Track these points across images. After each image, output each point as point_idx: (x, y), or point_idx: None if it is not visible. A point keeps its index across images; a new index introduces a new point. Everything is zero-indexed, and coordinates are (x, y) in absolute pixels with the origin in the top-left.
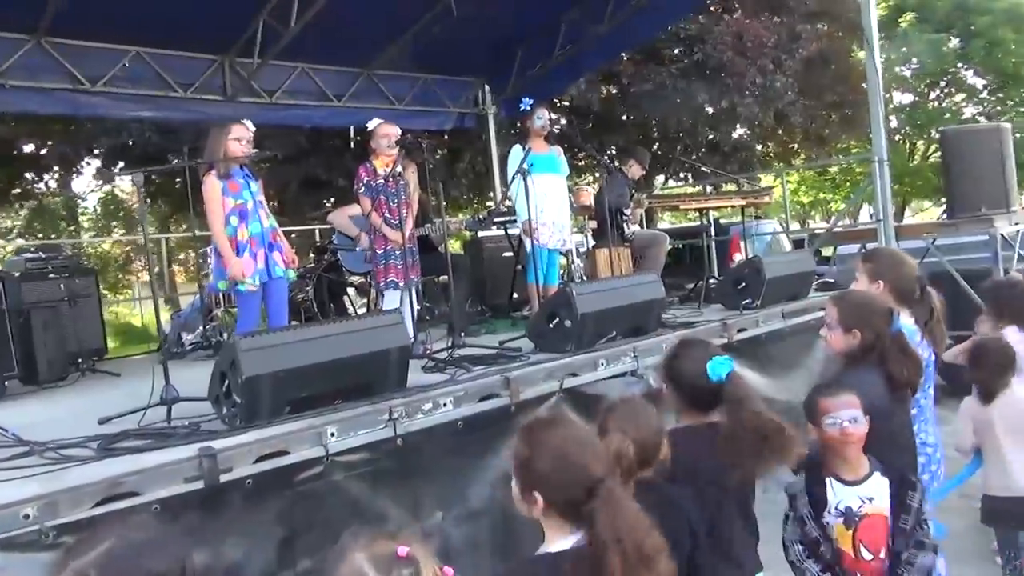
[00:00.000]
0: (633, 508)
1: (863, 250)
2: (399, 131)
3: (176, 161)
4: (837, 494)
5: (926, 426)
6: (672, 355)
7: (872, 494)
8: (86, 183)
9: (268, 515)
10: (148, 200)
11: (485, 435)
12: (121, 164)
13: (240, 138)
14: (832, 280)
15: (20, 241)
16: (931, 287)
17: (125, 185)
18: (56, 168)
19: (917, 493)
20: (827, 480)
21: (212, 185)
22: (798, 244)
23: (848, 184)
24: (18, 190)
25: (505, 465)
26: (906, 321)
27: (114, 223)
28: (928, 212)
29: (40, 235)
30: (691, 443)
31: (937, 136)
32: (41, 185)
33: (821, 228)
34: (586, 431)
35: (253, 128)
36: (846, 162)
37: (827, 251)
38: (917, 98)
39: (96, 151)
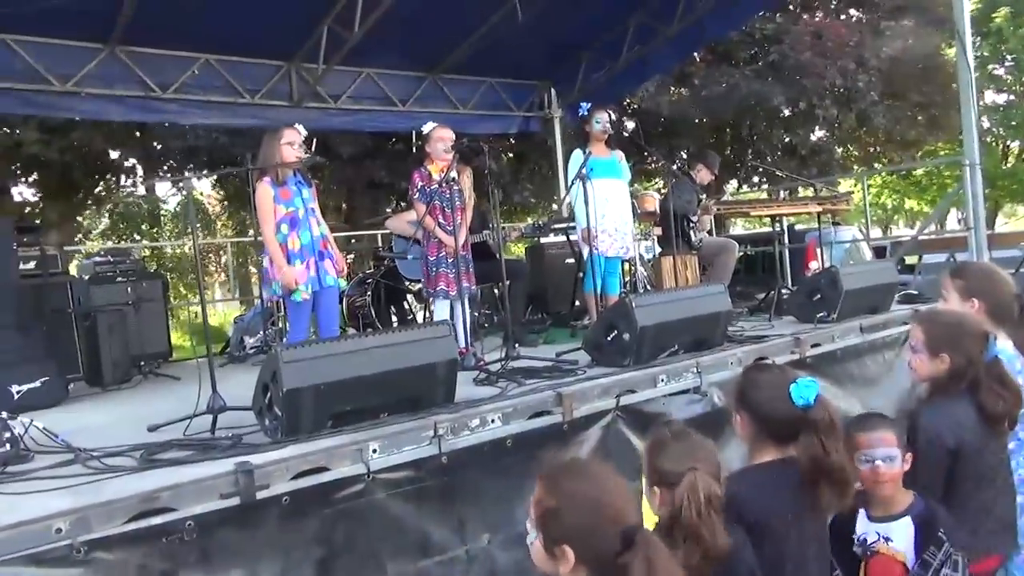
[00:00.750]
0: (668, 555)
1: (951, 260)
2: (454, 135)
3: (234, 166)
4: (860, 526)
5: None
6: (745, 381)
7: (891, 534)
8: (166, 187)
9: (305, 534)
10: (226, 203)
11: (535, 454)
12: (191, 167)
13: (292, 142)
14: (916, 292)
15: (108, 243)
16: None
17: (204, 188)
18: (138, 171)
19: (940, 553)
20: (859, 510)
21: (264, 192)
22: (879, 252)
23: (935, 187)
24: (101, 191)
25: None
26: (1004, 345)
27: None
28: (1020, 216)
29: (125, 237)
30: (767, 484)
31: None
32: (123, 189)
33: (905, 235)
34: (614, 475)
35: (305, 132)
36: (934, 165)
37: (911, 259)
38: (1012, 97)
39: (168, 155)
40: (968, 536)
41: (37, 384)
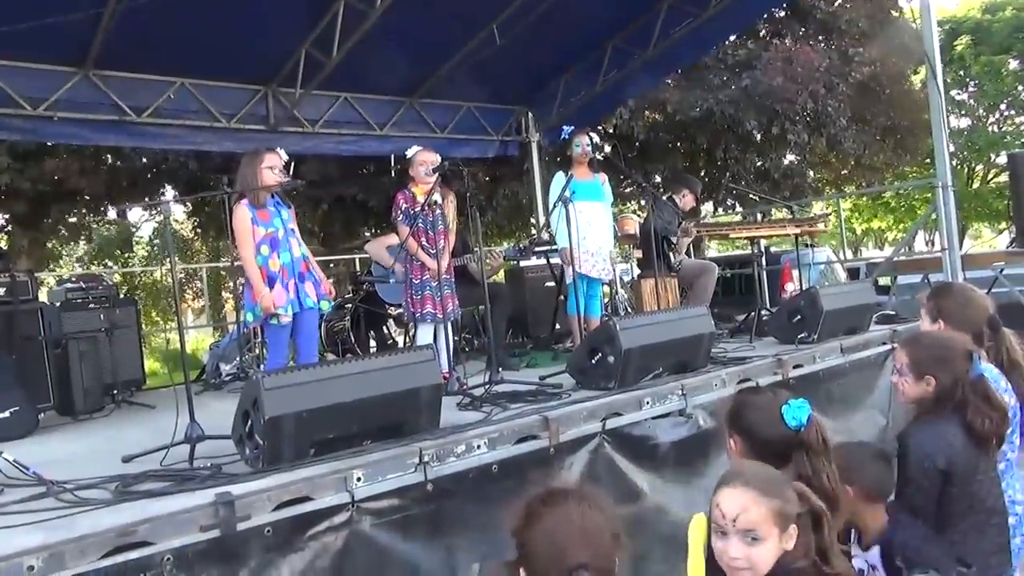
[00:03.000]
0: None
1: (925, 281)
2: (438, 158)
3: (210, 190)
4: (853, 550)
5: (1014, 481)
6: (737, 403)
7: (876, 563)
8: (139, 213)
9: (289, 567)
10: (199, 230)
11: (522, 480)
12: (162, 192)
13: (273, 166)
14: (893, 312)
15: (78, 268)
16: (1005, 325)
17: (178, 214)
18: (109, 198)
19: None
20: (850, 529)
21: (242, 214)
22: (853, 273)
23: (903, 209)
24: (74, 220)
25: None
26: (987, 364)
27: (167, 252)
28: (985, 238)
29: (97, 262)
30: None
31: (998, 160)
32: (94, 216)
33: (876, 256)
34: (586, 512)
35: (286, 157)
36: (906, 189)
37: (884, 280)
38: (975, 122)
39: (138, 181)
40: (962, 556)
41: (6, 414)
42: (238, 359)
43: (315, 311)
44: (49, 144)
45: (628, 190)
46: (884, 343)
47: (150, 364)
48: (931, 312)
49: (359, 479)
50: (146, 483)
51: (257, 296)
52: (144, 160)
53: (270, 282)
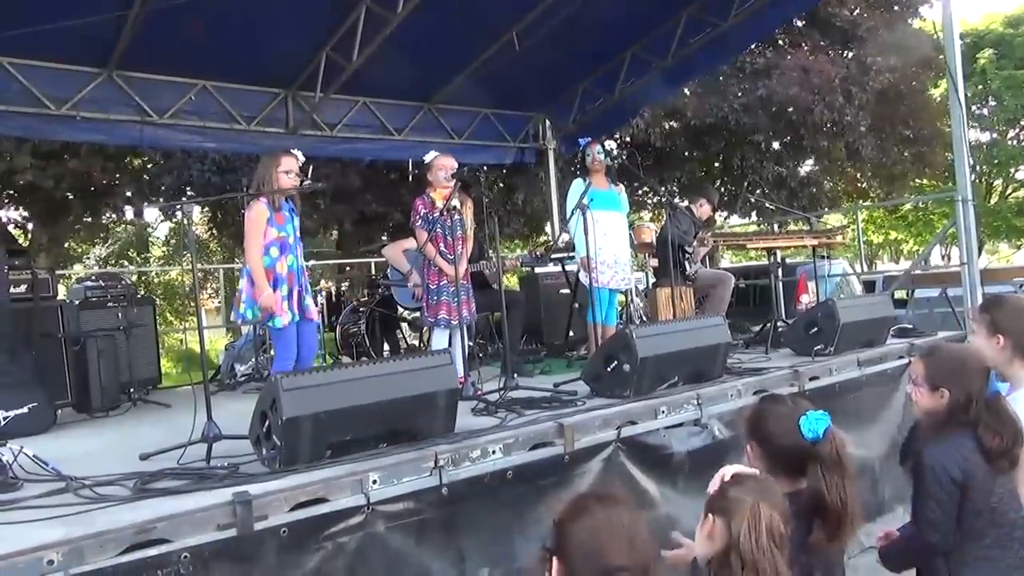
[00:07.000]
0: None
1: (943, 295)
2: (456, 163)
3: (229, 192)
4: None
5: None
6: (758, 412)
7: None
8: (155, 214)
9: (303, 568)
10: (215, 231)
11: (536, 487)
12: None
13: (289, 170)
14: (910, 326)
15: (97, 268)
16: None
17: (193, 216)
18: (128, 199)
19: None
20: None
21: (259, 211)
22: (869, 286)
23: (920, 223)
24: (89, 219)
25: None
26: None
27: (185, 252)
28: (1002, 254)
29: (112, 262)
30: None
31: (1017, 175)
32: (113, 215)
33: (893, 270)
34: (634, 517)
35: (303, 158)
36: (925, 201)
37: (899, 293)
38: (995, 136)
39: (161, 192)
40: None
41: (24, 410)
42: (253, 360)
43: (315, 324)
44: (71, 144)
45: (643, 198)
46: (901, 357)
47: (164, 364)
48: (988, 325)
49: (375, 482)
50: (164, 481)
51: (259, 293)
52: (169, 176)
53: (275, 284)
